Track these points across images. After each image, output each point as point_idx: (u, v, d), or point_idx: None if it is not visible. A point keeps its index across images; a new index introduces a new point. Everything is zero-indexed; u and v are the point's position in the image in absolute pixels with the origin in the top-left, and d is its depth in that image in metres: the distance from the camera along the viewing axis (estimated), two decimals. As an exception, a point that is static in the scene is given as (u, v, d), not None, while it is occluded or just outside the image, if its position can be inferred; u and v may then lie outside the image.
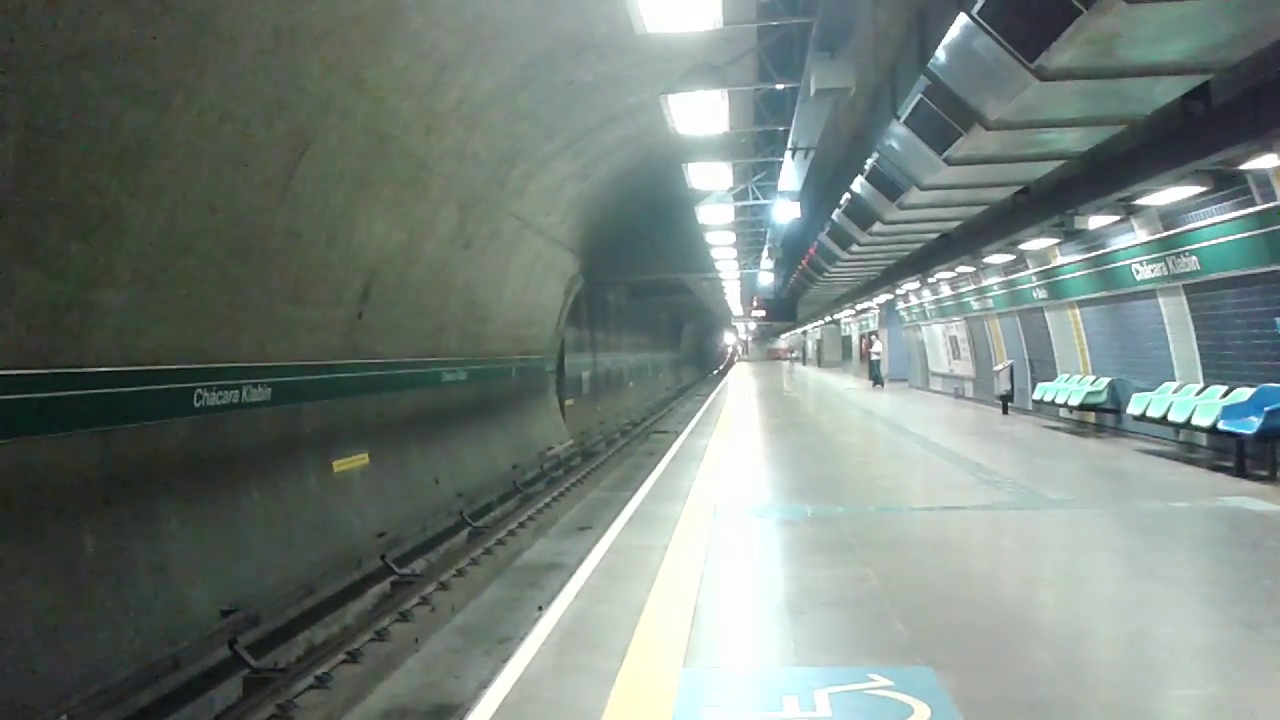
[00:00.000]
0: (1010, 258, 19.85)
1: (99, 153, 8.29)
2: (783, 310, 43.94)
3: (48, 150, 7.80)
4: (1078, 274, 17.67)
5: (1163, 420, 13.88)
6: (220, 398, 10.88)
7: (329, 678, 9.46)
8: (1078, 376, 18.84)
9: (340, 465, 13.97)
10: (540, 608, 7.48)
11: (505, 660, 5.89)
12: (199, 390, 10.50)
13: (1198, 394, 13.46)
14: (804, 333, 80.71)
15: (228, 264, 10.62)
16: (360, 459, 14.62)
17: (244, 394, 11.34)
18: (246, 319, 11.32)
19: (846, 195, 16.97)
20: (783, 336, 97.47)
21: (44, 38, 7.27)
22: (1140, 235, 14.58)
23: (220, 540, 10.80)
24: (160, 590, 9.59)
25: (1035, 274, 19.72)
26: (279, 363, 12.13)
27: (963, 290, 25.68)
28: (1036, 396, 20.37)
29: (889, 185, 14.16)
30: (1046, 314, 20.31)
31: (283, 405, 12.29)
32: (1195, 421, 12.87)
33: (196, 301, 10.27)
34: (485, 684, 5.60)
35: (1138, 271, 14.99)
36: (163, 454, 10.12)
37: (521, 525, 16.92)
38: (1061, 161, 11.47)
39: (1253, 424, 11.60)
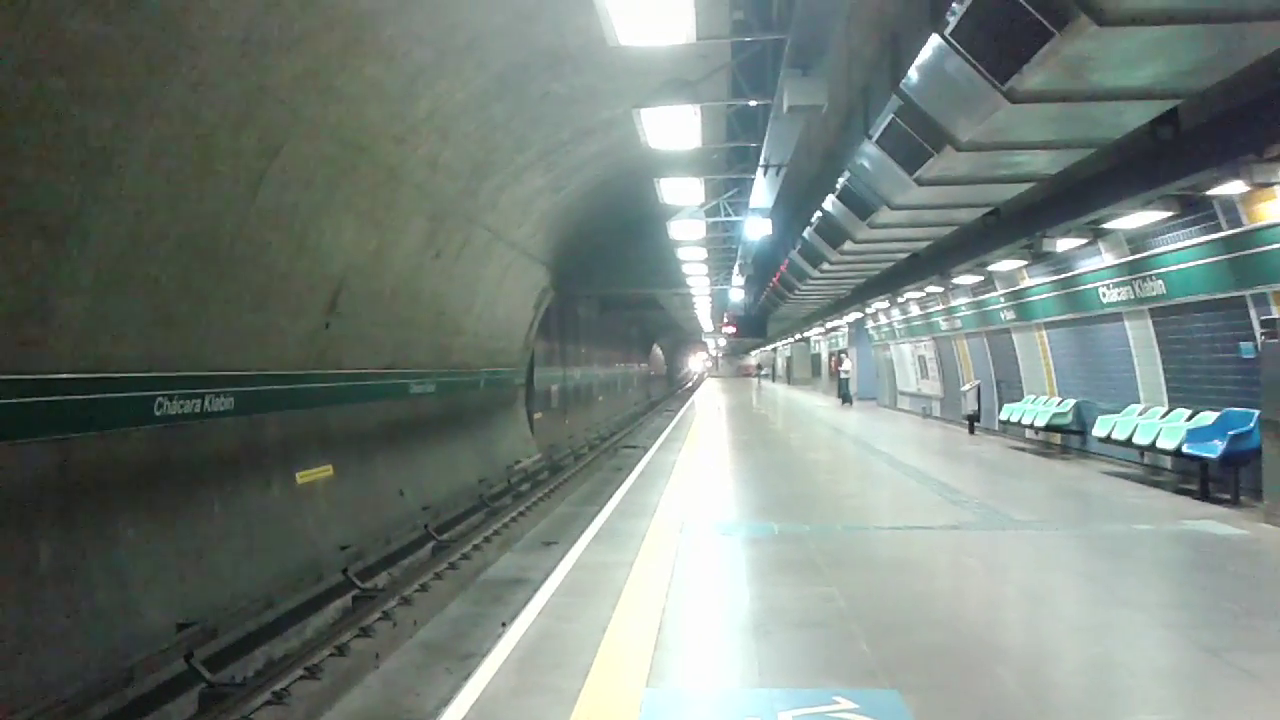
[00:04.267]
0: (979, 279, 19.97)
1: (62, 157, 8.16)
2: (753, 327, 44.01)
3: (10, 154, 7.66)
4: (1045, 296, 17.79)
5: (1127, 443, 13.96)
6: (182, 407, 10.71)
7: (287, 693, 9.30)
8: (1044, 398, 18.95)
9: (304, 477, 13.79)
10: (504, 624, 7.39)
11: (466, 678, 5.80)
12: (160, 399, 10.34)
13: (1162, 417, 13.56)
14: (774, 350, 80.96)
15: (192, 271, 10.47)
16: (324, 470, 14.44)
17: (206, 403, 11.18)
18: (210, 327, 11.16)
19: (818, 213, 17.01)
20: (753, 353, 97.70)
21: (8, 40, 7.14)
22: (1107, 259, 14.69)
23: (179, 552, 10.61)
24: (116, 601, 9.40)
25: (1003, 295, 19.85)
26: (243, 371, 11.97)
27: (931, 310, 25.82)
28: (1003, 417, 20.47)
29: (860, 204, 14.19)
30: (1014, 335, 20.44)
31: (246, 415, 12.12)
32: (1160, 444, 12.95)
33: (159, 309, 10.11)
34: (446, 702, 5.49)
35: (1104, 295, 15.10)
36: (122, 463, 9.93)
37: (487, 539, 16.77)
38: (1031, 184, 11.54)
39: (1217, 448, 11.68)
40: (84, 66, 7.88)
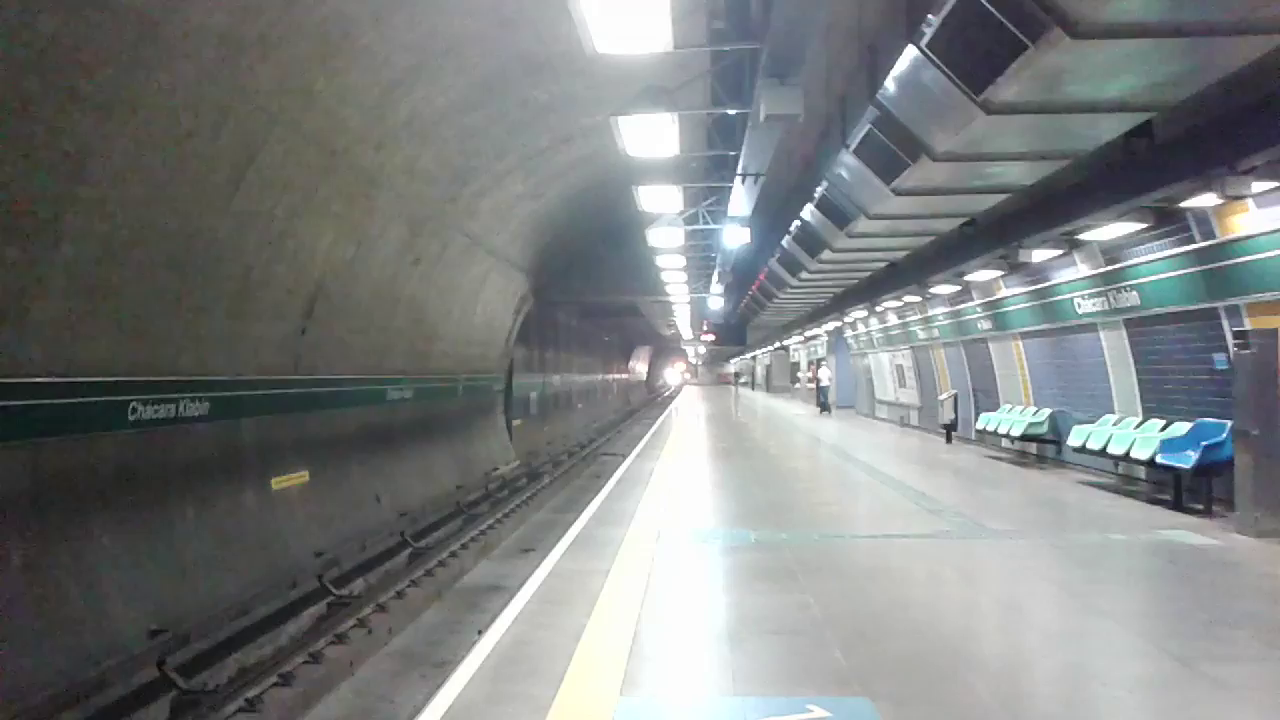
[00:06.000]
0: (956, 289, 20.08)
1: (37, 159, 8.09)
2: (732, 335, 44.13)
3: (-19, 154, 7.60)
4: (1021, 306, 17.90)
5: (1102, 452, 14.05)
6: (156, 412, 10.63)
7: (260, 700, 9.24)
8: (1020, 407, 19.05)
9: (279, 483, 13.71)
10: (480, 632, 7.37)
11: (440, 686, 5.78)
12: (134, 404, 10.25)
13: (1137, 427, 13.65)
14: (753, 358, 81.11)
15: (168, 275, 10.40)
16: (300, 477, 14.36)
17: (181, 408, 11.09)
18: (186, 332, 11.09)
19: (796, 222, 17.08)
20: (732, 361, 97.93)
21: (-20, 39, 7.09)
22: (1082, 269, 14.80)
23: (152, 558, 10.52)
24: (88, 607, 9.31)
25: (980, 305, 19.96)
26: (218, 377, 11.89)
27: (909, 319, 25.93)
28: (979, 426, 20.57)
29: (838, 214, 14.26)
30: (990, 345, 20.54)
31: (221, 421, 12.04)
32: (1134, 454, 13.04)
33: (134, 313, 10.04)
34: (419, 709, 5.47)
35: (1079, 305, 15.21)
36: (95, 468, 9.84)
37: (464, 546, 16.72)
38: (1007, 194, 11.63)
39: (1190, 458, 11.77)
40: (59, 68, 7.82)
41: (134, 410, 10.25)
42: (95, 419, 9.71)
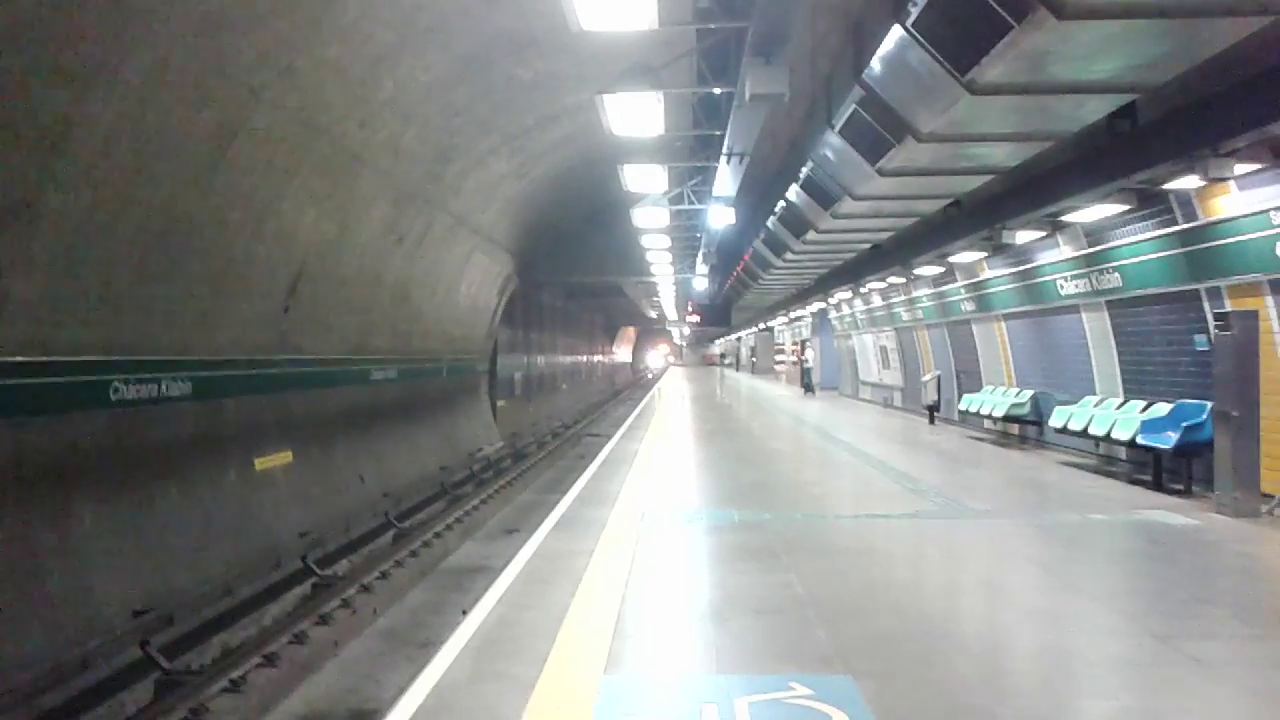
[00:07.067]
0: (940, 270, 20.12)
1: (16, 136, 8.02)
2: (717, 316, 44.16)
3: (-41, 131, 7.53)
4: (1004, 288, 17.96)
5: (1083, 433, 14.14)
6: (138, 391, 10.58)
7: (244, 681, 9.22)
8: (1002, 389, 19.14)
9: (263, 463, 13.67)
10: (464, 612, 7.38)
11: (425, 665, 5.78)
12: (116, 383, 10.21)
13: (1118, 408, 13.74)
14: (738, 339, 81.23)
15: (149, 254, 10.33)
16: (284, 457, 14.32)
17: (163, 388, 11.05)
18: (168, 311, 11.03)
19: (781, 202, 17.07)
20: (717, 342, 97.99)
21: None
22: (1065, 251, 14.85)
23: (135, 538, 10.49)
24: (71, 588, 9.28)
25: (963, 287, 20.00)
26: (201, 356, 11.84)
27: (893, 301, 25.99)
28: (962, 407, 20.66)
29: (823, 194, 14.26)
30: (973, 326, 20.61)
31: (204, 400, 12.00)
32: (1115, 435, 13.13)
33: (116, 292, 9.97)
34: (404, 689, 5.48)
35: (1062, 287, 15.26)
36: (77, 448, 9.80)
37: (449, 527, 16.70)
38: (991, 176, 11.65)
39: (1170, 439, 11.86)
40: (38, 42, 7.74)
41: (116, 390, 10.21)
42: (77, 398, 9.67)
